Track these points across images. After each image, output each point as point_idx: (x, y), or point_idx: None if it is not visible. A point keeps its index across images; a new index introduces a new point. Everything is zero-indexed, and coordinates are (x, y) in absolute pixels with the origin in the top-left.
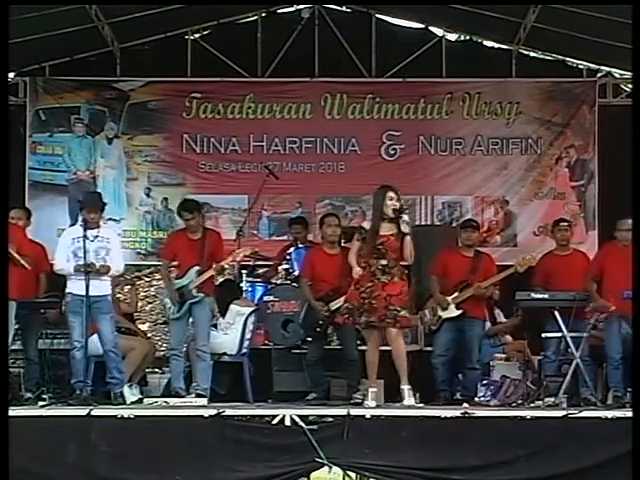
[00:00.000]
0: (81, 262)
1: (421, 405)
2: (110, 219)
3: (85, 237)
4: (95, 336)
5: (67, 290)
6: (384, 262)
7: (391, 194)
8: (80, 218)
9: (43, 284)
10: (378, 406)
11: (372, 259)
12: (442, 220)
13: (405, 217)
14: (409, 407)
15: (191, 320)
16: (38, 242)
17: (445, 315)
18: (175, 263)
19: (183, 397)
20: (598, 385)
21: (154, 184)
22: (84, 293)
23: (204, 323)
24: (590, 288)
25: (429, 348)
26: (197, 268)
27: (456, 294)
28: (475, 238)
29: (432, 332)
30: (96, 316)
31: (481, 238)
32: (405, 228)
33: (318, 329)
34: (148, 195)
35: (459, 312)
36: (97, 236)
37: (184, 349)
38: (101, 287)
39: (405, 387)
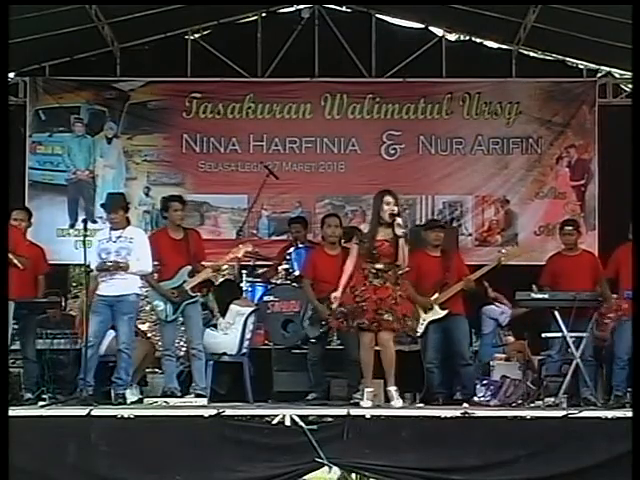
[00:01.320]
0: (107, 263)
1: (421, 405)
2: None
3: (85, 236)
4: None
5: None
6: (378, 266)
7: (388, 198)
8: (79, 218)
9: (41, 286)
10: (378, 406)
11: (366, 263)
12: (443, 220)
13: (399, 220)
14: (409, 407)
15: (182, 320)
16: (37, 244)
17: (430, 318)
18: (156, 263)
19: (179, 397)
20: (598, 385)
21: (153, 183)
22: (106, 293)
23: (197, 323)
24: (604, 290)
25: None
26: (189, 268)
27: (437, 295)
28: (442, 237)
29: (418, 337)
30: (115, 315)
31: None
32: (399, 231)
33: (321, 329)
34: (147, 194)
35: (445, 312)
36: (120, 236)
37: (182, 349)
38: (122, 286)
39: (392, 389)
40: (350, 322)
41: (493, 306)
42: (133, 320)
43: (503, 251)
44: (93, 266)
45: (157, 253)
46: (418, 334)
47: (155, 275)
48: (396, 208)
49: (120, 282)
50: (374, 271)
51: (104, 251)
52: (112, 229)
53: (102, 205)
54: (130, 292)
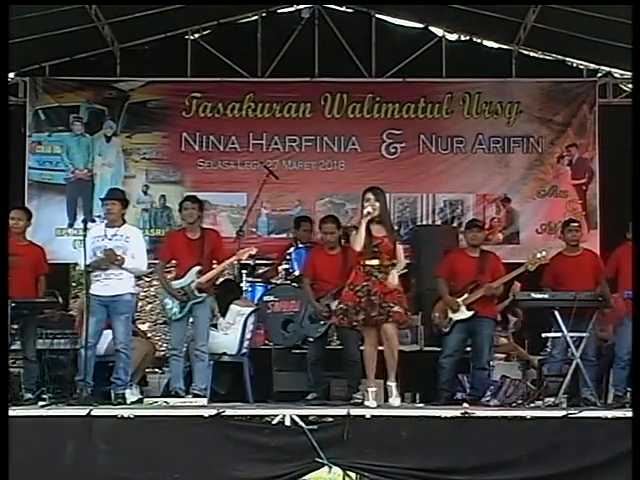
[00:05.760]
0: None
1: (421, 405)
2: None
3: (84, 236)
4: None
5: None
6: (378, 262)
7: (368, 195)
8: (78, 218)
9: (42, 286)
10: (378, 406)
11: (367, 259)
12: (443, 218)
13: (375, 227)
14: (409, 407)
15: (191, 320)
16: (37, 244)
17: (456, 317)
18: (173, 262)
19: (183, 397)
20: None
21: (152, 181)
22: (101, 293)
23: (204, 323)
24: (604, 289)
25: (429, 348)
26: (198, 268)
27: (466, 295)
28: (481, 238)
29: (443, 334)
30: (111, 315)
31: (484, 237)
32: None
33: (320, 329)
34: (145, 192)
35: (471, 313)
36: (115, 234)
37: (184, 349)
38: (118, 286)
39: (392, 384)
40: (352, 317)
41: None
42: (129, 320)
43: (538, 256)
44: (84, 263)
45: (172, 252)
46: (444, 332)
47: (171, 274)
48: (376, 212)
49: (115, 282)
50: (376, 266)
51: (99, 249)
52: (108, 226)
53: (101, 199)
54: (125, 292)
